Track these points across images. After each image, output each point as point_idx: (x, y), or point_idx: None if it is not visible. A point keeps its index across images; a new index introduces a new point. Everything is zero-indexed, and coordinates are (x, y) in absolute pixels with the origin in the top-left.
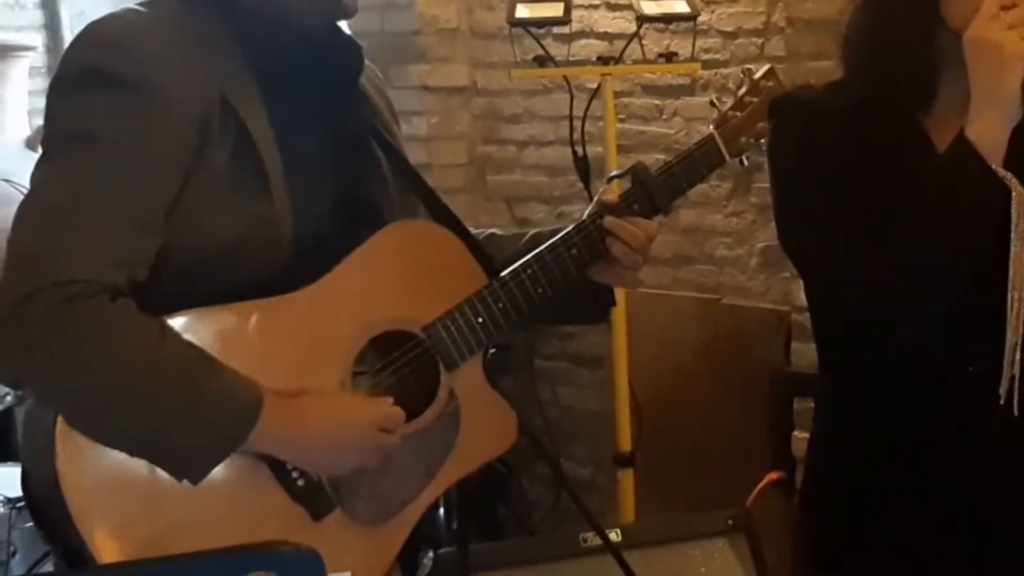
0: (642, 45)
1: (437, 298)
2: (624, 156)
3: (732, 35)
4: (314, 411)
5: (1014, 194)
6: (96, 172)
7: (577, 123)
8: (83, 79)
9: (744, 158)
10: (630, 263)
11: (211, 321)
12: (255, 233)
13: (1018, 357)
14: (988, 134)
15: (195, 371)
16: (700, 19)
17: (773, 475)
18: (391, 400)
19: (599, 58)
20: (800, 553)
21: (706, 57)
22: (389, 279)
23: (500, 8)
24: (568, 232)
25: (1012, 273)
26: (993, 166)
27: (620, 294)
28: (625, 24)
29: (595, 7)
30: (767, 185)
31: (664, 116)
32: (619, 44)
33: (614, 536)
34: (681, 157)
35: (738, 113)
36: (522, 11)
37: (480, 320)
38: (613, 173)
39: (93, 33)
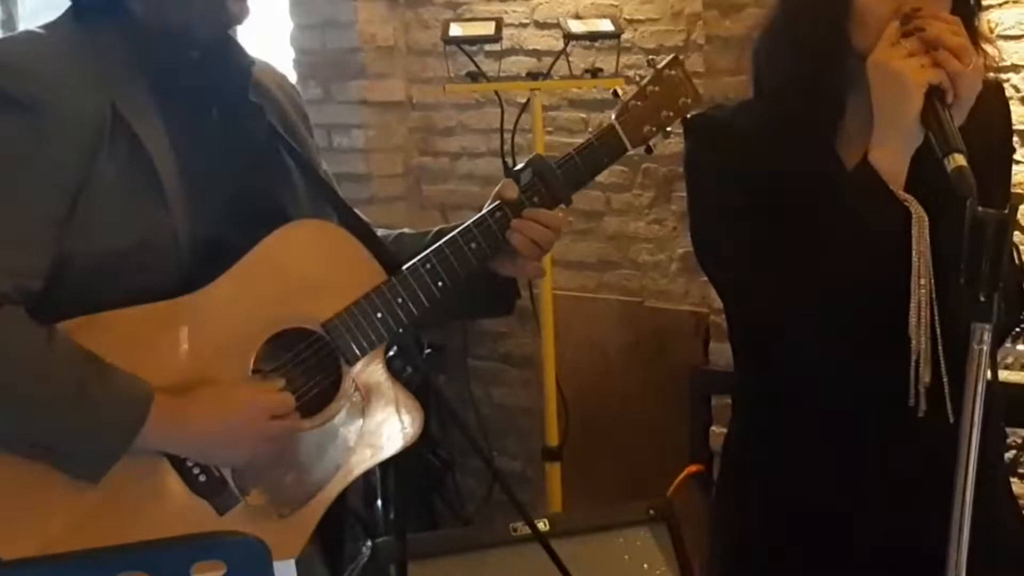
0: (569, 62)
1: (336, 295)
2: None
3: (654, 52)
4: (203, 404)
5: (914, 217)
6: None
7: (508, 135)
8: None
9: (649, 145)
10: (531, 254)
11: (109, 325)
12: (151, 239)
13: (928, 367)
14: (889, 160)
15: (82, 373)
16: (624, 37)
17: (692, 468)
18: (279, 385)
19: (528, 74)
20: (715, 543)
21: (629, 73)
22: (286, 277)
23: (435, 27)
24: (467, 226)
25: (914, 290)
26: (894, 189)
27: (547, 298)
28: (553, 42)
29: (524, 26)
30: (686, 195)
31: (590, 129)
32: (547, 61)
33: (543, 526)
34: (581, 148)
35: (639, 103)
36: (455, 29)
37: (379, 315)
38: (516, 167)
39: None
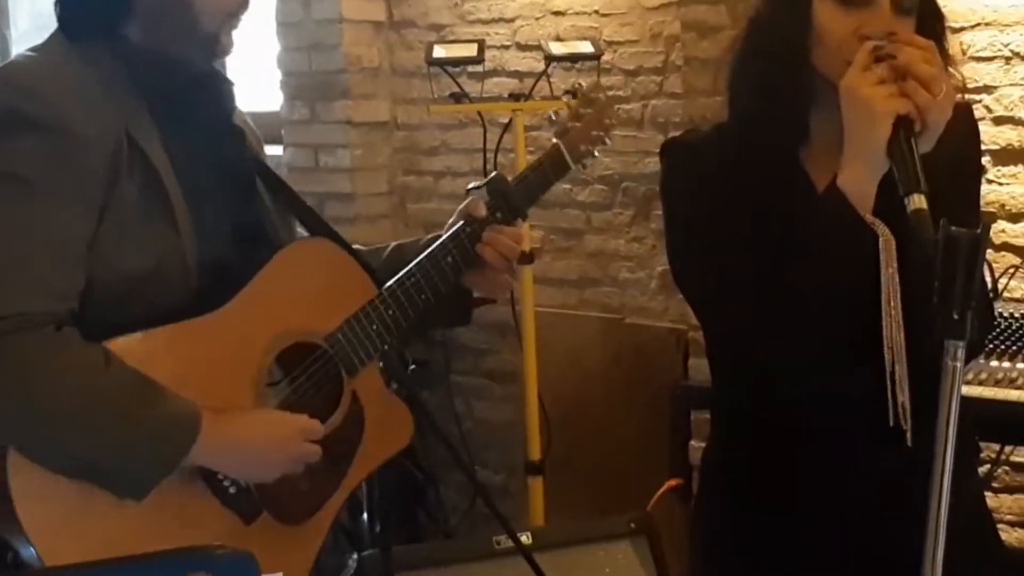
0: (550, 83)
1: (335, 309)
2: None
3: (633, 73)
4: (246, 426)
5: (881, 240)
6: (24, 211)
7: (490, 155)
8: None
9: (583, 163)
10: (500, 267)
11: (129, 346)
12: (164, 263)
13: (905, 386)
14: (856, 184)
15: (137, 394)
16: (604, 58)
17: (672, 482)
18: (307, 415)
19: (510, 95)
20: (694, 556)
21: (609, 93)
22: (292, 295)
23: (419, 49)
24: (444, 241)
25: (884, 312)
26: (862, 213)
27: (529, 314)
28: (534, 63)
29: (506, 48)
30: None
31: None
32: (529, 82)
33: (525, 539)
34: (533, 167)
35: (576, 124)
36: (439, 51)
37: (375, 327)
38: (471, 185)
39: (2, 78)
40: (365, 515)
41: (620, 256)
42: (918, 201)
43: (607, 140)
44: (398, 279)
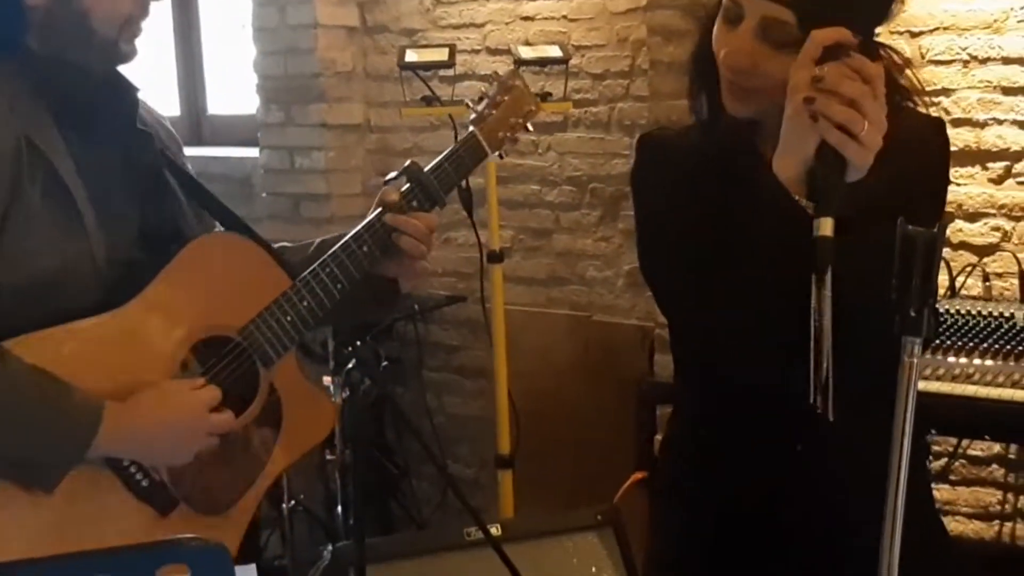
0: None
1: (248, 302)
2: (503, 187)
3: (600, 77)
4: (148, 407)
5: (815, 221)
6: None
7: None
8: None
9: (502, 152)
10: (416, 254)
11: (40, 343)
12: (72, 264)
13: (826, 367)
14: (787, 171)
15: (36, 388)
16: (571, 62)
17: (638, 475)
18: (203, 381)
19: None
20: (649, 545)
21: (577, 97)
22: (201, 288)
23: (391, 53)
24: (358, 231)
25: (814, 291)
26: (796, 196)
27: (499, 312)
28: (504, 67)
29: (477, 52)
30: (633, 213)
31: (540, 150)
32: None
33: (495, 530)
34: (449, 155)
35: (493, 112)
36: (411, 56)
37: (289, 318)
38: (388, 176)
39: None
40: (339, 507)
41: (588, 255)
42: (823, 226)
43: (528, 127)
44: (312, 270)
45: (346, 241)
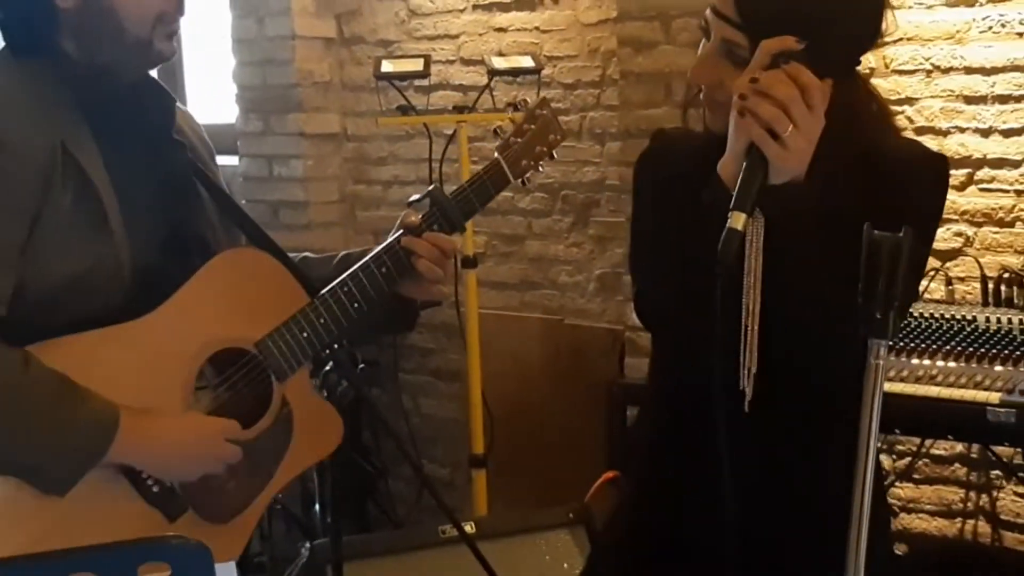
0: (492, 96)
1: (266, 316)
2: None
3: (572, 87)
4: (166, 426)
5: (729, 213)
6: None
7: (436, 165)
8: None
9: (526, 178)
10: (433, 277)
11: (63, 349)
12: (98, 268)
13: (754, 359)
14: (727, 169)
15: (56, 394)
16: (544, 72)
17: (608, 474)
18: (224, 417)
19: (455, 107)
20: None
21: (552, 107)
22: (223, 302)
23: (368, 64)
24: (378, 252)
25: (745, 284)
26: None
27: (473, 316)
28: (478, 77)
29: (451, 62)
30: (603, 220)
31: None
32: (472, 95)
33: (469, 528)
34: (472, 181)
35: (519, 140)
36: (387, 66)
37: (305, 334)
38: (413, 198)
39: None
40: (317, 506)
41: (560, 261)
42: (735, 219)
43: (552, 155)
44: (331, 288)
45: (366, 261)
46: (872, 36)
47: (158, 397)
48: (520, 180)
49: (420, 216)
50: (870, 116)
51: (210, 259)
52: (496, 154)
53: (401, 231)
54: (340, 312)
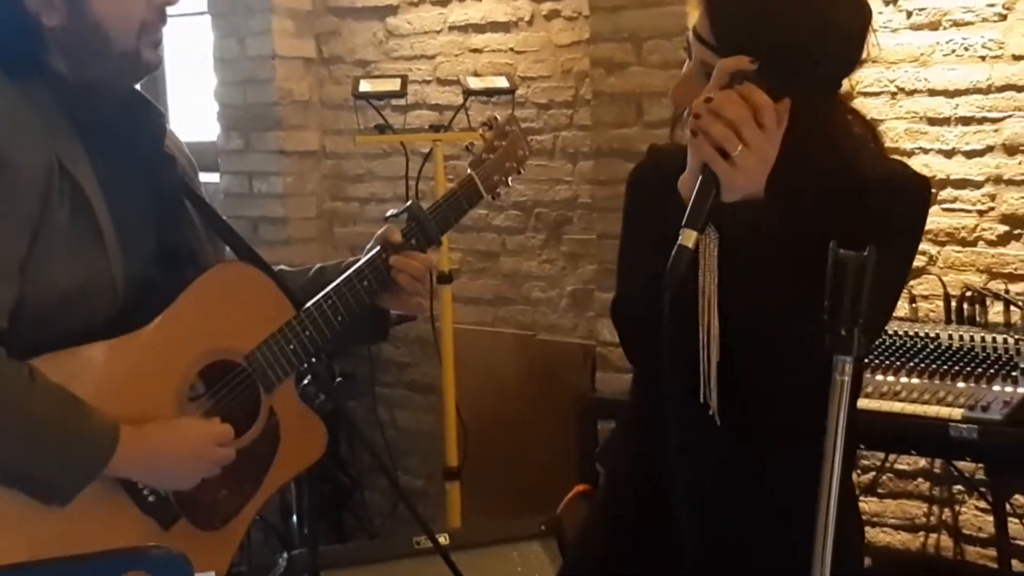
0: (468, 115)
1: (254, 329)
2: None
3: (545, 106)
4: (161, 436)
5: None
6: None
7: (412, 182)
8: None
9: (496, 193)
10: (413, 291)
11: (58, 362)
12: (92, 282)
13: (714, 369)
14: (684, 184)
15: (63, 409)
16: (518, 93)
17: (580, 487)
18: (218, 420)
19: (431, 126)
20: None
21: (523, 126)
22: (213, 315)
23: (346, 83)
24: (360, 267)
25: (700, 299)
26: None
27: (448, 330)
28: (453, 97)
29: (428, 82)
30: (575, 237)
31: None
32: (448, 114)
33: (443, 539)
34: (447, 196)
35: (491, 156)
36: (365, 86)
37: (291, 347)
38: (390, 212)
39: None
40: (295, 517)
41: (533, 277)
42: (686, 237)
43: (521, 170)
44: (315, 302)
45: (348, 275)
46: (850, 59)
47: (152, 408)
48: (491, 195)
49: (400, 231)
50: (849, 137)
51: (198, 271)
52: (469, 170)
53: (380, 246)
54: (325, 324)
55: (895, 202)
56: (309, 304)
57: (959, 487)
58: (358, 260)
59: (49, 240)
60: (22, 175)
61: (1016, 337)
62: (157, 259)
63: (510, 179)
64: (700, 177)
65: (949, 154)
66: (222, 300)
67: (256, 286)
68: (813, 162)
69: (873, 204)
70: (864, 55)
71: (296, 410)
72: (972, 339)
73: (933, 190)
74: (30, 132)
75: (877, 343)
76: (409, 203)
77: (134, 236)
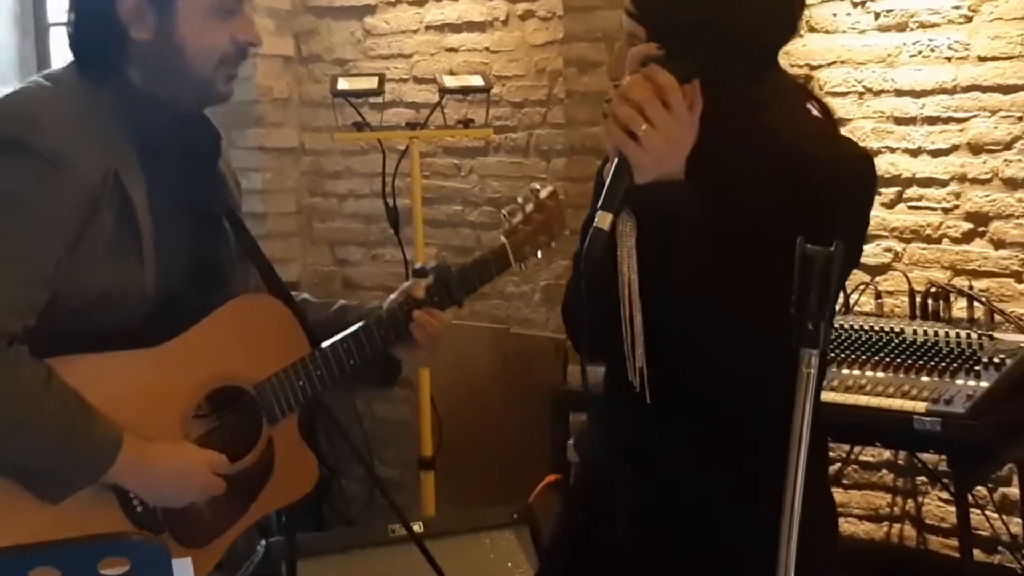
0: (444, 113)
1: (269, 361)
2: (428, 207)
3: (520, 105)
4: (161, 456)
5: (620, 222)
6: (4, 228)
7: (389, 179)
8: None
9: (525, 263)
10: (427, 346)
11: (76, 366)
12: (123, 289)
13: (641, 351)
14: (607, 171)
15: (72, 411)
16: (493, 91)
17: (551, 477)
18: (217, 450)
19: (408, 124)
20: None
21: (498, 123)
22: (232, 342)
23: (324, 81)
24: (380, 315)
25: (620, 284)
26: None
27: None
28: (430, 95)
29: (404, 81)
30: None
31: (462, 173)
32: (424, 112)
33: (418, 527)
34: (477, 260)
35: (527, 227)
36: (343, 84)
37: (300, 383)
38: (418, 265)
39: (9, 106)
40: None
41: (506, 272)
42: (601, 219)
43: (553, 244)
44: (332, 343)
45: (367, 323)
46: (777, 33)
47: (158, 420)
48: (520, 265)
49: (424, 287)
50: (792, 118)
51: (224, 292)
52: (502, 238)
53: (403, 299)
54: (336, 366)
55: (835, 183)
56: (325, 344)
57: (922, 478)
58: (379, 307)
59: (92, 243)
60: (78, 177)
61: (979, 332)
62: (189, 275)
63: (540, 252)
64: (616, 160)
65: (915, 153)
66: (242, 329)
67: (277, 319)
68: (742, 144)
69: (812, 186)
70: (798, 29)
71: (294, 445)
72: (936, 334)
73: (899, 188)
74: (95, 139)
75: (843, 338)
76: (439, 263)
77: (171, 250)
